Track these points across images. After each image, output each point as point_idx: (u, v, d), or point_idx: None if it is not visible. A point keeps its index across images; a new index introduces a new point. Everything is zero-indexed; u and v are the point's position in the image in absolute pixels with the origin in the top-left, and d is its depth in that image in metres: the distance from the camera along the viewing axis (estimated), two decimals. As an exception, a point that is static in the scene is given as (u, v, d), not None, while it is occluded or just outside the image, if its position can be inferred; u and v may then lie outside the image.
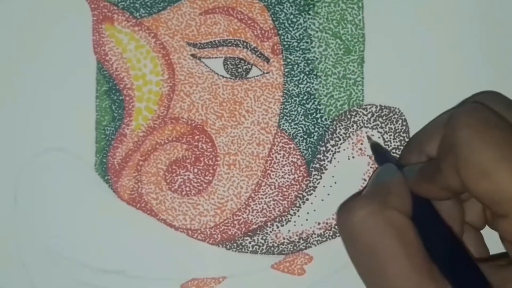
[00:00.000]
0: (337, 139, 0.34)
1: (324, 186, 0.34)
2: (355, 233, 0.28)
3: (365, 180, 0.34)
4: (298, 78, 0.34)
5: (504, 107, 0.28)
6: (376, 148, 0.33)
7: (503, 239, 0.27)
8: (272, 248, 0.34)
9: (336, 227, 0.34)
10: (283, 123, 0.34)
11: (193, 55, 0.34)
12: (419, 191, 0.29)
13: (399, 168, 0.30)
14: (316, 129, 0.34)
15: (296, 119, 0.34)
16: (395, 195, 0.29)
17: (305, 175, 0.34)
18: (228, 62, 0.34)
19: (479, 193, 0.25)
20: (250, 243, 0.34)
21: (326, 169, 0.34)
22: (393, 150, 0.34)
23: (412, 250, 0.27)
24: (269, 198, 0.34)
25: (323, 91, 0.34)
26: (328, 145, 0.34)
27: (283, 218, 0.34)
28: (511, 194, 0.24)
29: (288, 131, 0.34)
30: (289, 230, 0.34)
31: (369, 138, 0.34)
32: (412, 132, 0.34)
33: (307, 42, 0.34)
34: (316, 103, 0.34)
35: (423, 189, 0.29)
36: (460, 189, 0.27)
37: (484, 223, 0.31)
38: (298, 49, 0.34)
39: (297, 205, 0.34)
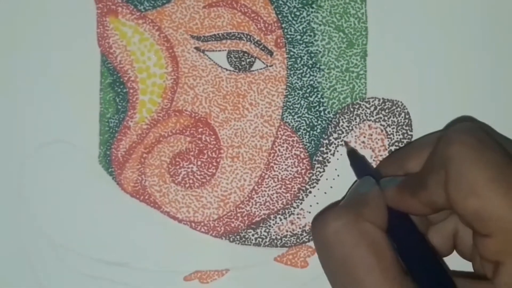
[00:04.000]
0: (340, 132, 0.34)
1: (327, 179, 0.34)
2: (329, 245, 0.28)
3: (368, 172, 0.34)
4: (301, 71, 0.34)
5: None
6: (353, 155, 0.33)
7: (477, 258, 0.28)
8: (275, 241, 0.34)
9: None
10: (286, 116, 0.34)
11: (197, 48, 0.34)
12: (397, 203, 0.29)
13: (376, 180, 0.31)
14: (319, 122, 0.34)
15: (299, 112, 0.34)
16: (370, 208, 0.29)
17: (308, 168, 0.34)
18: (232, 55, 0.34)
19: (465, 209, 0.26)
20: (253, 235, 0.34)
21: (329, 162, 0.34)
22: (396, 144, 0.34)
23: (386, 264, 0.27)
24: (272, 190, 0.34)
25: (326, 84, 0.34)
26: (331, 138, 0.34)
27: (286, 211, 0.34)
28: (497, 214, 0.25)
29: (291, 124, 0.34)
30: (292, 223, 0.34)
31: (346, 143, 0.34)
32: (414, 126, 0.34)
33: (310, 35, 0.34)
34: (319, 96, 0.34)
35: (403, 203, 0.29)
36: (442, 206, 0.27)
37: (451, 249, 0.31)
38: (301, 42, 0.34)
39: (300, 197, 0.34)
